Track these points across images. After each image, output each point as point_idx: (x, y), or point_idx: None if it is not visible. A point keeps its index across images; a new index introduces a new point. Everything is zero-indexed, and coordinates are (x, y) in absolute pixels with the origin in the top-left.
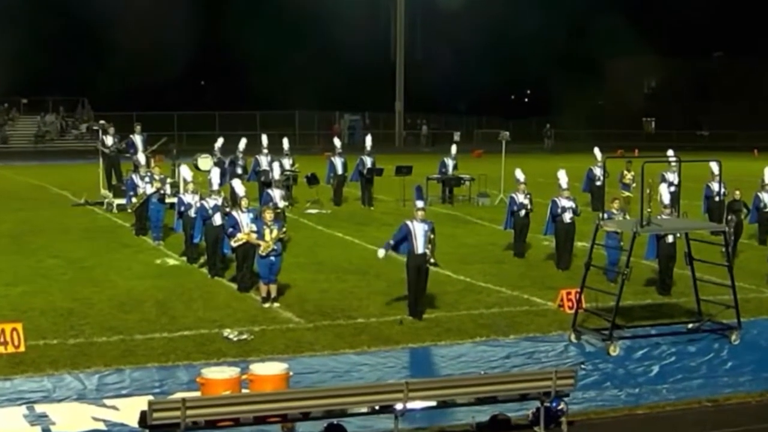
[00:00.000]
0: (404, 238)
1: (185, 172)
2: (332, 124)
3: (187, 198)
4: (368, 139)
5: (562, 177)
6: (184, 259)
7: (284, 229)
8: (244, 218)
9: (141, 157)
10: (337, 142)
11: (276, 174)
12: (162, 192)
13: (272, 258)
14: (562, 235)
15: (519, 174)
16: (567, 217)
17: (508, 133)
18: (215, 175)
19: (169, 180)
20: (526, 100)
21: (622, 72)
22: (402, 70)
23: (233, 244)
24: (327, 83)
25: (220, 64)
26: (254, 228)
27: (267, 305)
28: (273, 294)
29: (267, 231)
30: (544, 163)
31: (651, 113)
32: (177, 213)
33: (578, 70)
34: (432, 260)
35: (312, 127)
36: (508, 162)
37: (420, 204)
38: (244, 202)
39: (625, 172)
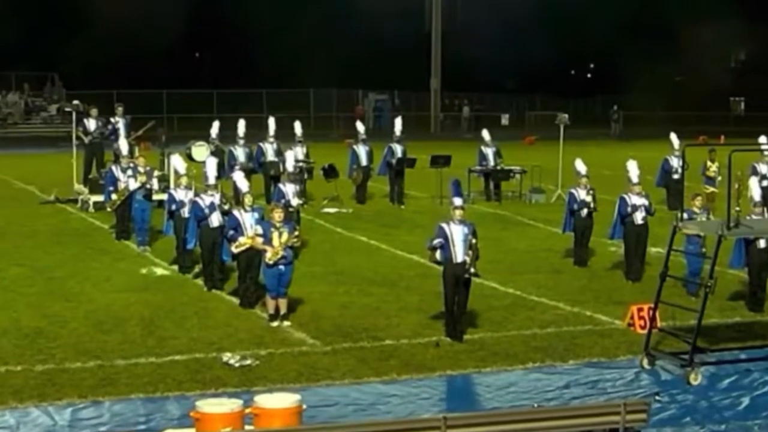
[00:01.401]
0: (441, 243)
1: (177, 163)
2: (354, 105)
3: (180, 194)
4: (398, 123)
5: (633, 169)
6: (175, 268)
7: (297, 233)
8: (247, 219)
9: (123, 145)
10: (360, 126)
11: (289, 165)
12: (148, 187)
13: (281, 267)
14: (633, 239)
15: (580, 165)
16: (638, 217)
17: (566, 115)
18: (212, 166)
19: (156, 172)
20: (589, 76)
21: (705, 42)
22: (439, 40)
23: (234, 250)
24: (348, 56)
25: (217, 33)
26: (260, 231)
27: (275, 324)
28: (283, 310)
29: (275, 234)
30: (610, 152)
31: (740, 91)
32: (167, 212)
33: (652, 40)
34: (473, 270)
35: (330, 108)
36: (567, 151)
37: (458, 202)
38: (247, 199)
39: (709, 162)
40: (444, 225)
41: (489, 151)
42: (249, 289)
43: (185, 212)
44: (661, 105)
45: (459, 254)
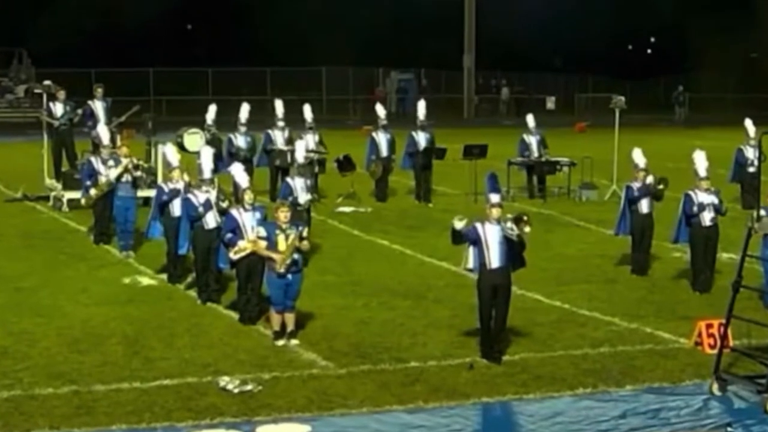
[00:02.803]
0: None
1: (169, 153)
2: (374, 86)
3: (171, 188)
4: (421, 107)
5: (700, 161)
6: (164, 277)
7: (305, 234)
8: (247, 219)
9: (102, 132)
10: (380, 110)
11: (299, 155)
12: (138, 174)
13: (289, 276)
14: (701, 243)
15: (638, 156)
16: (707, 217)
17: (623, 98)
18: (207, 157)
19: (143, 164)
20: (649, 52)
21: None
22: (473, 11)
23: (233, 256)
24: (366, 28)
25: (213, 1)
26: (263, 233)
27: (281, 342)
28: (290, 327)
29: (281, 237)
30: (674, 141)
31: None
32: (156, 209)
33: (723, 11)
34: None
35: (346, 90)
36: (624, 139)
37: (495, 198)
38: (248, 196)
39: None
40: (478, 225)
41: (533, 140)
42: (250, 302)
43: (176, 210)
44: (733, 86)
45: (495, 259)
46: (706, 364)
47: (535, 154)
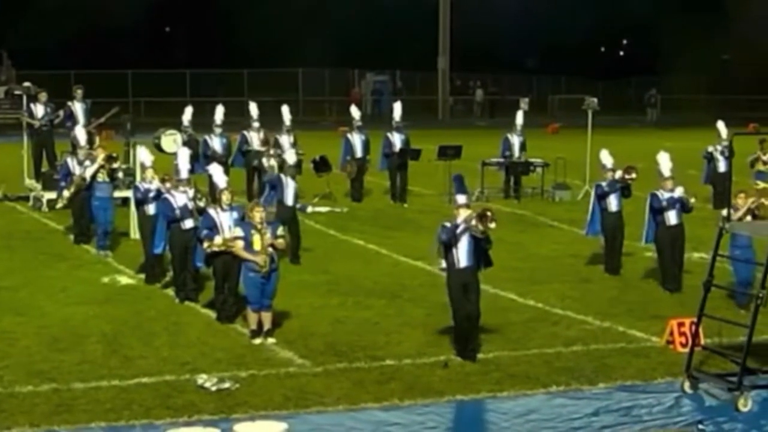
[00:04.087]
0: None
1: (143, 154)
2: (350, 87)
3: (145, 188)
4: (397, 109)
5: (664, 161)
6: (143, 276)
7: (281, 231)
8: (224, 219)
9: (80, 133)
10: (355, 112)
11: (290, 157)
12: (111, 170)
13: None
14: (668, 242)
15: (606, 157)
16: (672, 216)
17: (596, 99)
18: (184, 158)
19: (121, 165)
20: (622, 53)
21: (758, 13)
22: (447, 11)
23: (207, 248)
24: (342, 31)
25: (191, 4)
26: (240, 233)
27: (258, 341)
28: (267, 325)
29: (256, 237)
30: (646, 142)
31: None
32: (135, 207)
33: (695, 12)
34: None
35: (321, 91)
36: (597, 140)
37: (461, 200)
38: (225, 197)
39: (759, 153)
40: (447, 224)
41: (516, 141)
42: (227, 302)
43: (151, 209)
44: (705, 88)
45: (463, 259)
46: (678, 362)
47: (516, 154)
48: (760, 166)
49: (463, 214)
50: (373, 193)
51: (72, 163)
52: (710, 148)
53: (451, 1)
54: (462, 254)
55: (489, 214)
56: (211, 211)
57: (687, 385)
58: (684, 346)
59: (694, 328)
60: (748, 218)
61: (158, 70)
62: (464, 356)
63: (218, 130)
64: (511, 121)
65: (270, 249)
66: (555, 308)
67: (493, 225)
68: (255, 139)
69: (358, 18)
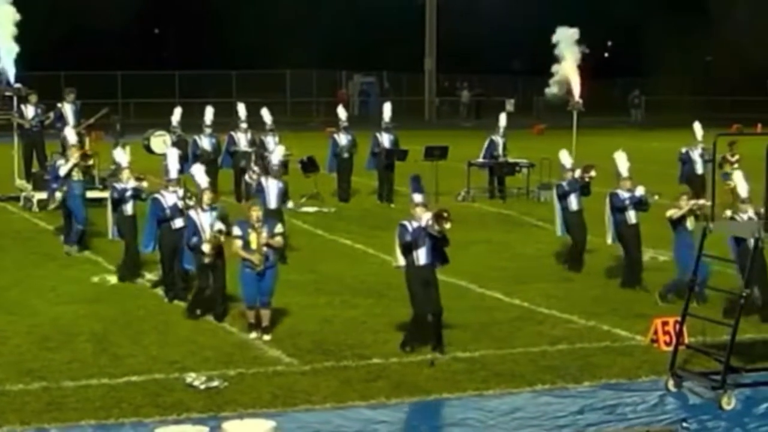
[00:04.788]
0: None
1: (119, 155)
2: (337, 88)
3: (121, 187)
4: (386, 110)
5: (621, 162)
6: (121, 275)
7: (280, 230)
8: (205, 219)
9: (70, 134)
10: (342, 113)
11: (275, 157)
12: (86, 167)
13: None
14: (631, 239)
15: (565, 157)
16: (632, 215)
17: (581, 101)
18: (173, 158)
19: (92, 157)
20: (607, 55)
21: (741, 16)
22: (434, 13)
23: (207, 250)
24: (329, 32)
25: (180, 6)
26: (237, 232)
27: (254, 335)
28: (265, 322)
29: (253, 236)
30: (630, 143)
31: None
32: (112, 207)
33: (679, 13)
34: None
35: (309, 92)
36: (582, 141)
37: (417, 198)
38: (206, 197)
39: (728, 155)
40: (406, 223)
41: (501, 142)
42: (210, 299)
43: (129, 209)
44: (689, 89)
45: (422, 257)
46: (662, 360)
47: (501, 155)
48: (728, 168)
49: (420, 212)
50: (360, 193)
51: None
52: (685, 149)
53: (438, 3)
54: (421, 252)
55: (445, 214)
56: (192, 213)
57: (671, 384)
58: (668, 344)
59: (678, 326)
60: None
61: (148, 72)
62: (437, 350)
63: (208, 131)
64: (497, 122)
65: (265, 248)
66: (540, 307)
67: (448, 225)
68: (242, 139)
69: (345, 20)
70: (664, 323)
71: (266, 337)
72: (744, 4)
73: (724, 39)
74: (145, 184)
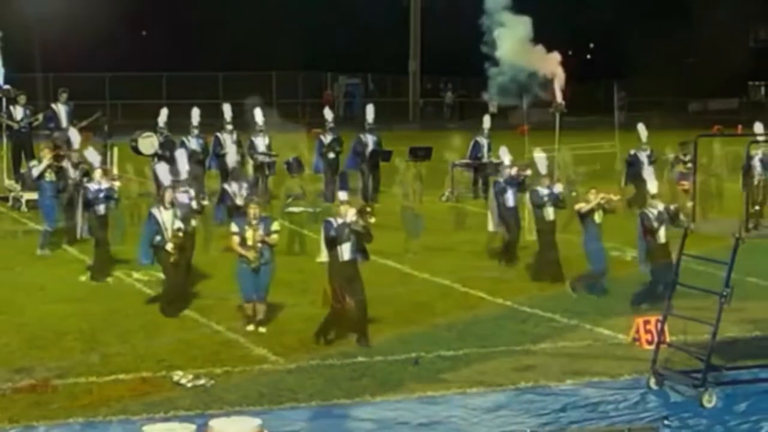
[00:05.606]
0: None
1: (91, 155)
2: (323, 89)
3: (95, 188)
4: (369, 111)
5: (540, 161)
6: (119, 274)
7: (276, 227)
8: (167, 217)
9: (73, 135)
10: (327, 114)
11: (230, 159)
12: (58, 168)
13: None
14: (547, 234)
15: (504, 154)
16: (550, 212)
17: (563, 102)
18: (182, 160)
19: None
20: (590, 57)
21: (721, 19)
22: (418, 16)
23: (170, 248)
24: (315, 35)
25: (167, 8)
26: (234, 228)
27: (251, 327)
28: (260, 316)
29: (249, 233)
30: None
31: (760, 75)
32: (84, 207)
33: (661, 17)
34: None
35: (295, 93)
36: (565, 142)
37: (342, 196)
38: (168, 195)
39: (680, 155)
40: (331, 219)
41: (485, 143)
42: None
43: (101, 209)
44: (671, 91)
45: (346, 252)
46: (644, 359)
47: (486, 156)
48: (681, 168)
49: (344, 209)
50: None
51: (67, 166)
52: (633, 151)
53: (422, 5)
54: (345, 248)
55: (368, 209)
56: (155, 211)
57: (653, 382)
58: (650, 343)
59: (659, 325)
60: (600, 212)
61: (134, 73)
62: (360, 343)
63: (195, 132)
64: (480, 123)
65: (260, 244)
66: (523, 306)
67: (372, 220)
68: (228, 140)
69: (330, 22)
70: (646, 322)
71: (261, 329)
72: (724, 6)
73: (706, 41)
74: (117, 183)
